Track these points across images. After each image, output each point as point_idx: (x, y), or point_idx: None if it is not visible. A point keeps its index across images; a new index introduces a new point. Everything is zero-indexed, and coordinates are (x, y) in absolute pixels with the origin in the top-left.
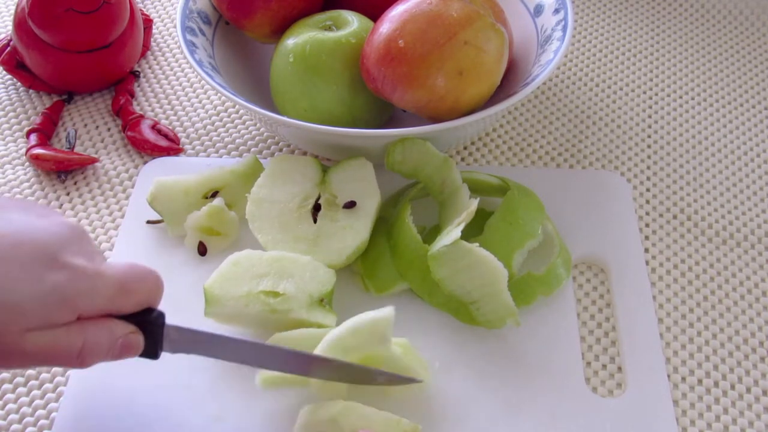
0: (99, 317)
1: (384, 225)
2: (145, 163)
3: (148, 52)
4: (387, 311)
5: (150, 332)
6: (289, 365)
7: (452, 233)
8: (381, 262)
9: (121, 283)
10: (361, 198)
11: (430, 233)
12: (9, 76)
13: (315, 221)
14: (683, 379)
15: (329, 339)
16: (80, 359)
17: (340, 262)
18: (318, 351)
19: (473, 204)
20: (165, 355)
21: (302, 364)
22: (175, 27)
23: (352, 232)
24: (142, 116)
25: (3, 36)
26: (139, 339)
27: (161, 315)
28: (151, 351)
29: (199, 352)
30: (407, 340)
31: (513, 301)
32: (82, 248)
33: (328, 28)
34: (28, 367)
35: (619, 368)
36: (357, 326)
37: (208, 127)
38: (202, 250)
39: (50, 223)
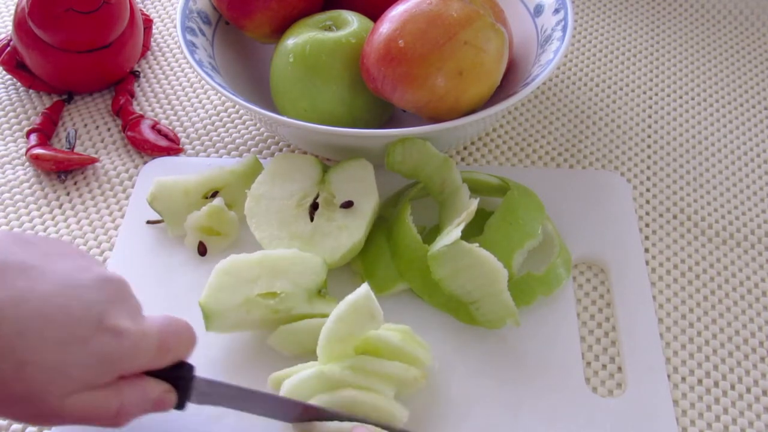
0: (135, 375)
1: (384, 225)
2: (145, 163)
3: (148, 52)
4: (363, 289)
5: (180, 386)
6: (318, 417)
7: (452, 233)
8: (381, 262)
9: (160, 342)
10: (359, 198)
11: (430, 233)
12: (9, 76)
13: (312, 220)
14: (683, 379)
15: (324, 335)
16: (116, 420)
17: (334, 260)
18: (319, 348)
19: (473, 204)
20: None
21: (329, 417)
22: (175, 27)
23: (348, 232)
24: (142, 116)
25: (3, 36)
26: (172, 397)
27: (191, 368)
28: (180, 403)
29: (226, 404)
30: (409, 327)
31: (513, 301)
32: (126, 306)
33: (328, 28)
34: (63, 425)
35: (619, 368)
36: (341, 313)
37: (208, 127)
38: (202, 250)
39: (94, 279)
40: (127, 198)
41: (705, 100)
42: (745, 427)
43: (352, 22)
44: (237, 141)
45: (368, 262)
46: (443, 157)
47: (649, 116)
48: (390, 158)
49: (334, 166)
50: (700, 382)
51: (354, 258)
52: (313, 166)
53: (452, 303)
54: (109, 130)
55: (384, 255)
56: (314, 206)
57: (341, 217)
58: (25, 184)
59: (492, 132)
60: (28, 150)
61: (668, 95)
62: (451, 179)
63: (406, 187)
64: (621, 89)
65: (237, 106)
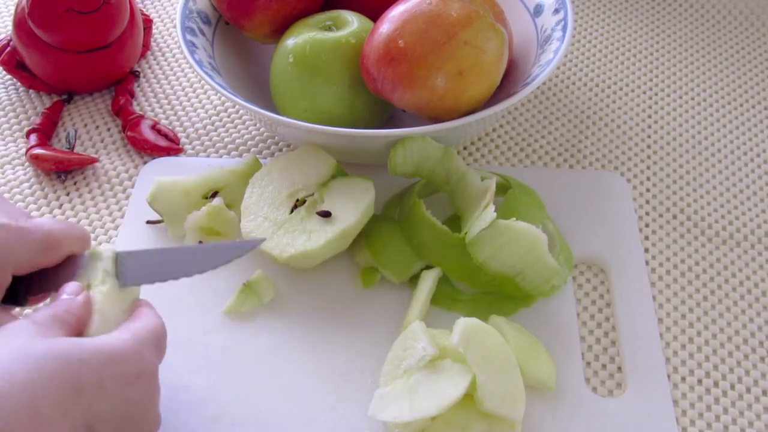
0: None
1: (388, 222)
2: (145, 163)
3: (148, 52)
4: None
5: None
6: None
7: (485, 216)
8: (391, 250)
9: (46, 236)
10: (341, 214)
11: (449, 224)
12: (9, 76)
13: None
14: (683, 379)
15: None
16: None
17: (280, 258)
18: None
19: (492, 184)
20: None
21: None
22: (175, 27)
23: (307, 237)
24: (142, 116)
25: (3, 36)
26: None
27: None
28: None
29: (157, 275)
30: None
31: (555, 261)
32: (4, 208)
33: (328, 28)
34: None
35: (619, 368)
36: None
37: (208, 127)
38: None
39: None
40: (127, 198)
41: (705, 100)
42: (745, 427)
43: (352, 22)
44: (237, 141)
45: (379, 254)
46: (443, 147)
47: (649, 116)
48: (392, 162)
49: (340, 177)
50: (700, 382)
51: (358, 250)
52: (327, 166)
53: (496, 281)
54: (109, 130)
55: (392, 242)
56: (303, 202)
57: (313, 223)
58: (25, 184)
59: (492, 132)
60: (28, 150)
61: (668, 95)
62: (455, 167)
63: (406, 189)
64: (621, 89)
65: (237, 106)
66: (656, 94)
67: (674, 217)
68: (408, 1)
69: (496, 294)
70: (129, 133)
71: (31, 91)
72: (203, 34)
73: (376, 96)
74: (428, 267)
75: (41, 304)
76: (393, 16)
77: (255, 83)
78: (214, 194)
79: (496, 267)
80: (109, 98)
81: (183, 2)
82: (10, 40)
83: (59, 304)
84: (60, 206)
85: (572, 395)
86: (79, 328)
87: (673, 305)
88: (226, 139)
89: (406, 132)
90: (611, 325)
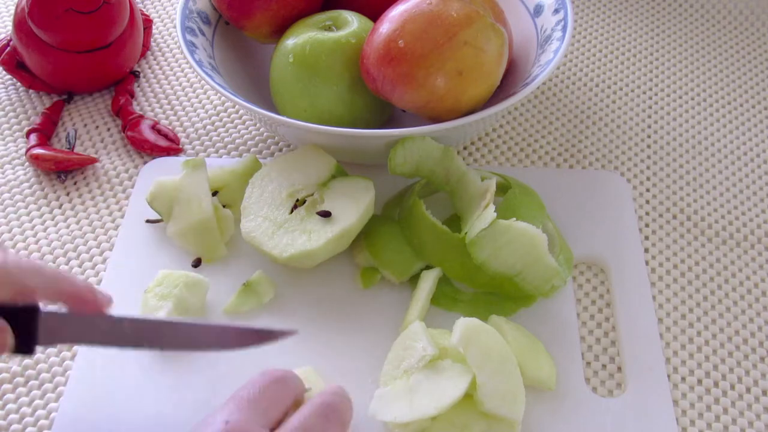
0: None
1: (388, 222)
2: (145, 163)
3: (148, 52)
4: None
5: (23, 325)
6: (176, 342)
7: (485, 216)
8: (391, 251)
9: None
10: (341, 214)
11: (448, 224)
12: (9, 76)
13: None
14: (683, 379)
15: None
16: None
17: (280, 258)
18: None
19: (492, 185)
20: (168, 354)
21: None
22: (175, 27)
23: (307, 237)
24: (142, 116)
25: (3, 36)
26: (7, 337)
27: (35, 307)
28: (25, 346)
29: (81, 339)
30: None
31: (555, 262)
32: None
33: (328, 28)
34: None
35: (619, 368)
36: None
37: (208, 127)
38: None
39: None
40: (127, 198)
41: (705, 100)
42: (744, 427)
43: (352, 22)
44: (237, 141)
45: (379, 254)
46: (443, 147)
47: (649, 116)
48: (392, 162)
49: (340, 177)
50: (699, 382)
51: (358, 250)
52: (327, 166)
53: (496, 281)
54: (109, 130)
55: (393, 242)
56: (303, 202)
57: (313, 223)
58: (25, 184)
59: (492, 132)
60: (28, 150)
61: (668, 95)
62: (455, 167)
63: (406, 189)
64: (621, 89)
65: (237, 106)
66: (656, 94)
67: (674, 217)
68: (408, 1)
69: (496, 294)
70: (129, 133)
71: (31, 91)
72: (203, 34)
73: (376, 96)
74: (428, 267)
75: None
76: (393, 16)
77: (255, 83)
78: (214, 194)
79: (496, 267)
80: (109, 98)
81: (183, 2)
82: (10, 40)
83: None
84: (60, 206)
85: (572, 395)
86: None
87: (673, 305)
88: (226, 139)
89: (406, 132)
90: (611, 325)
